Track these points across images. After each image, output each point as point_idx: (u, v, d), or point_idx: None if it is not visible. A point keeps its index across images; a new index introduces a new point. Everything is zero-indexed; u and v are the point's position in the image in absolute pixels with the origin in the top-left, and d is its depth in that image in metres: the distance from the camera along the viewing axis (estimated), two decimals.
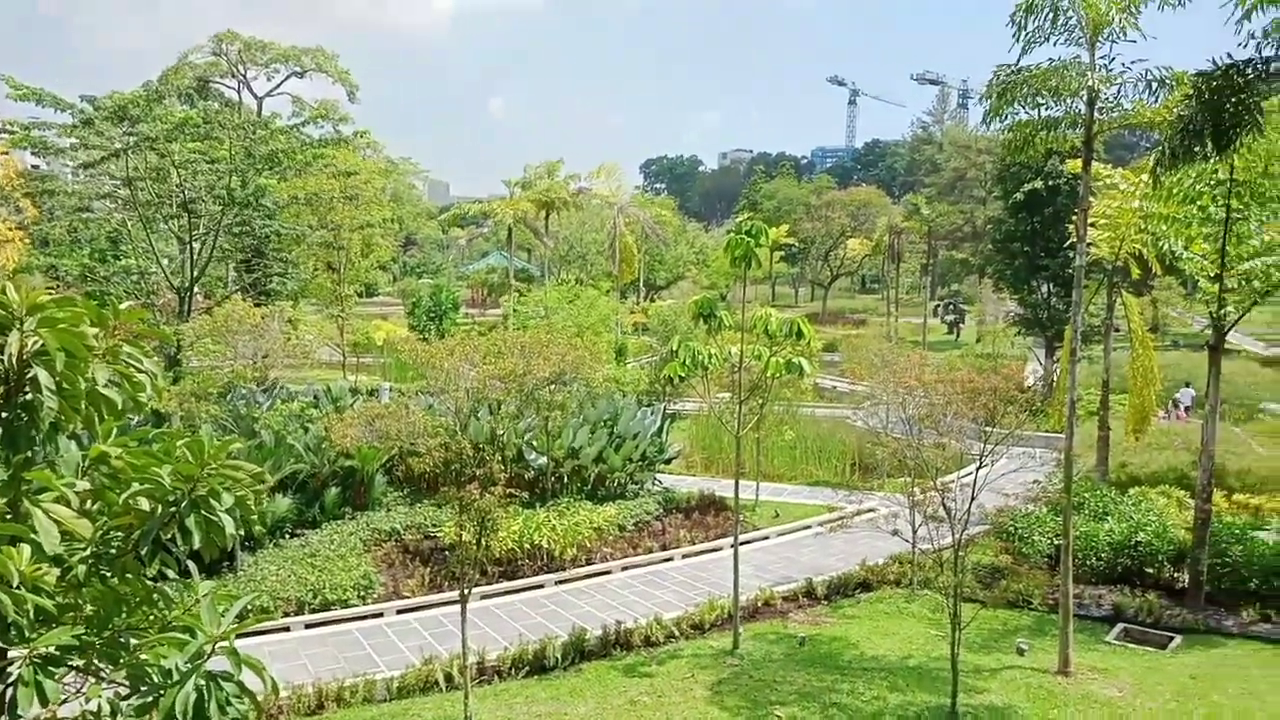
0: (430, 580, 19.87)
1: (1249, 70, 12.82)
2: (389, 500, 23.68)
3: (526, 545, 20.86)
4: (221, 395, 26.76)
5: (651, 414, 29.26)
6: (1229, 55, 12.87)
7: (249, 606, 4.75)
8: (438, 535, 21.63)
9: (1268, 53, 12.78)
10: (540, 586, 20.23)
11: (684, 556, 22.42)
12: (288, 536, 21.24)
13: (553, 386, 23.69)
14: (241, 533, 4.99)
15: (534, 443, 25.21)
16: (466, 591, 15.08)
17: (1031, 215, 40.09)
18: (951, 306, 72.14)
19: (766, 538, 24.24)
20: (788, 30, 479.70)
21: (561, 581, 20.47)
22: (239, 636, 4.48)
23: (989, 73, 17.00)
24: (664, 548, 22.73)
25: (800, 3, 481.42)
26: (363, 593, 18.86)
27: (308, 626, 17.66)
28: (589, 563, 21.35)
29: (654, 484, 27.14)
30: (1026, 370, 46.70)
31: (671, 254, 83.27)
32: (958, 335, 68.76)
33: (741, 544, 22.77)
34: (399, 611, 18.58)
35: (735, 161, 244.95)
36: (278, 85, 68.63)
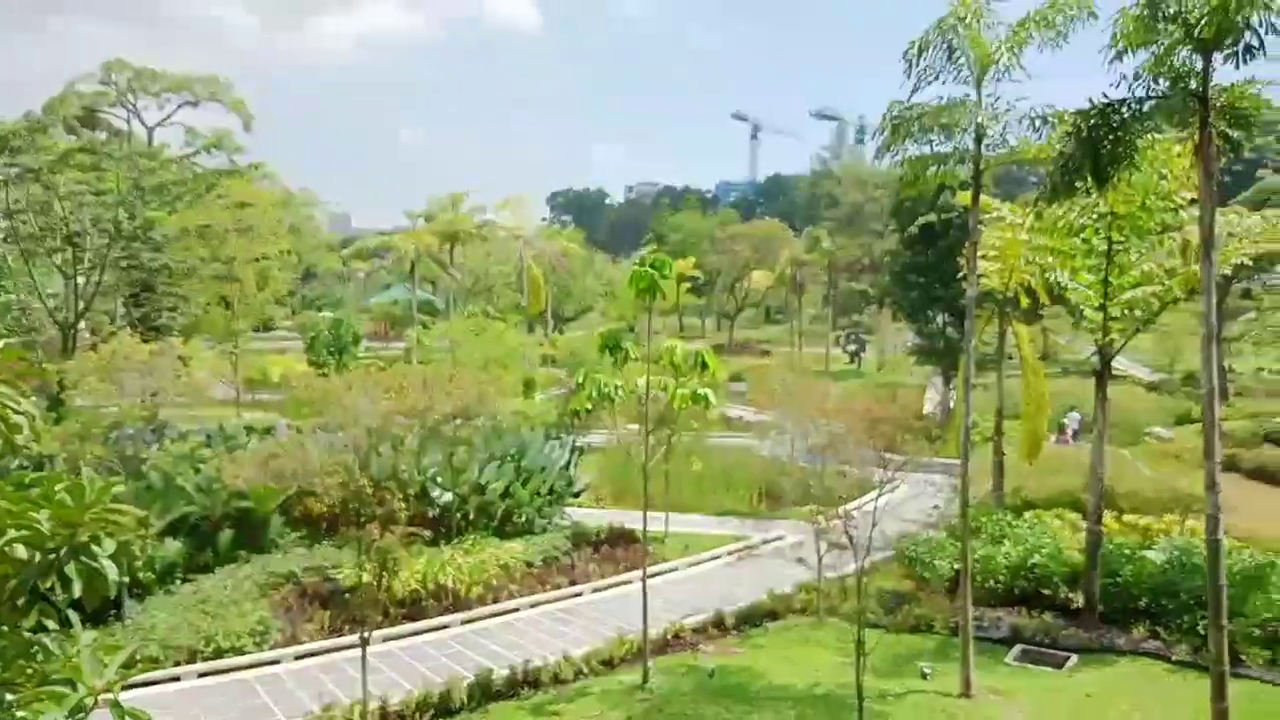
0: (330, 624, 19.23)
1: (1124, 109, 13.50)
2: (287, 542, 22.88)
3: (431, 585, 20.37)
4: (107, 435, 25.54)
5: (560, 447, 29.02)
6: (1105, 95, 13.55)
7: (136, 656, 4.50)
8: (338, 577, 20.95)
9: (1140, 93, 13.48)
10: (446, 627, 19.76)
11: (594, 591, 22.21)
12: (179, 582, 20.36)
13: (457, 421, 23.29)
14: (126, 579, 4.71)
15: (439, 479, 24.72)
16: (367, 635, 14.64)
17: (926, 248, 41.34)
18: (853, 337, 73.79)
19: (676, 569, 24.18)
20: (691, 65, 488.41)
21: (468, 621, 20.05)
22: (125, 688, 4.21)
23: (883, 109, 17.55)
24: (573, 583, 22.48)
25: (703, 40, 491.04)
26: (259, 639, 18.16)
27: (201, 675, 16.95)
28: (496, 601, 20.97)
29: (563, 518, 26.87)
30: (926, 398, 48.05)
31: (579, 286, 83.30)
32: (859, 365, 70.34)
33: (651, 576, 22.69)
34: (297, 657, 17.92)
35: (642, 194, 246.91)
36: (169, 115, 66.52)
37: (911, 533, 18.27)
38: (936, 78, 16.79)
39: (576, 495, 28.27)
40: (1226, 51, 12.53)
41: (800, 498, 20.24)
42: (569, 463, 27.96)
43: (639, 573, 19.91)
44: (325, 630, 19.03)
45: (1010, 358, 29.40)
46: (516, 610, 20.85)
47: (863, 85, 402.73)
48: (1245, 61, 12.48)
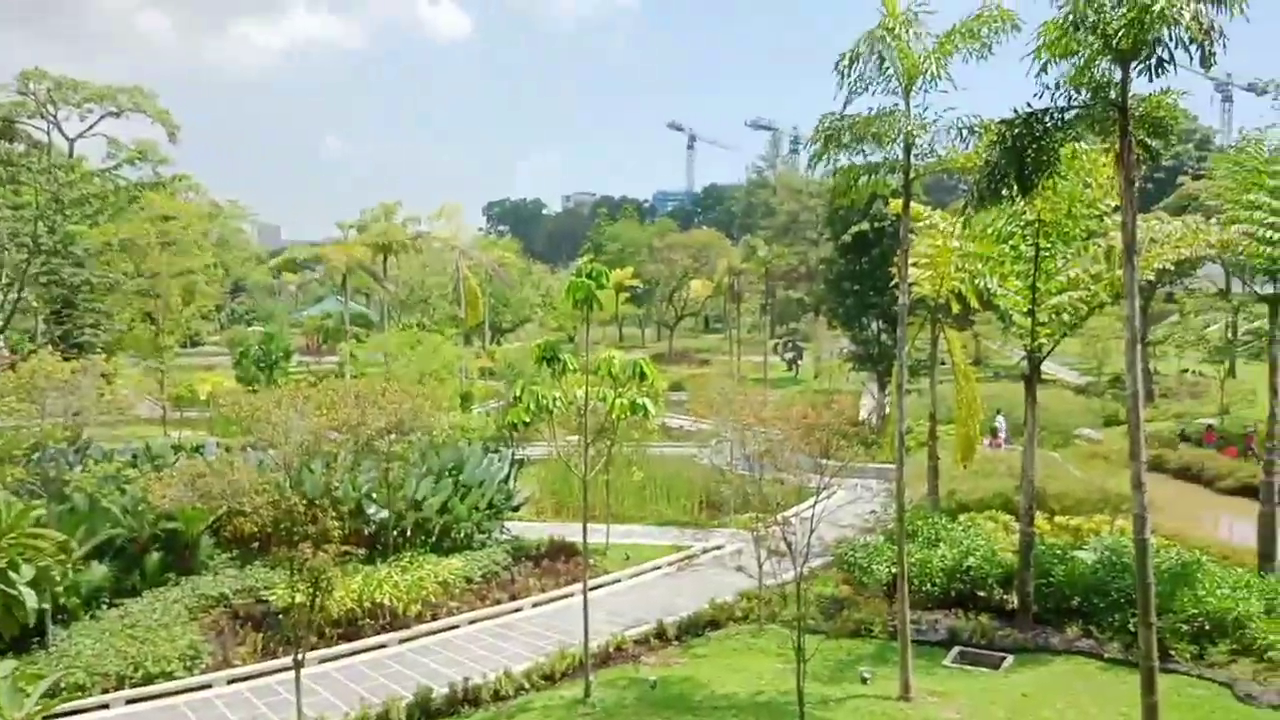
0: (263, 646, 18.80)
1: (1047, 119, 13.81)
2: (217, 563, 22.30)
3: (367, 604, 20.01)
4: (28, 457, 24.61)
5: (499, 460, 28.75)
6: (1029, 105, 13.85)
7: (60, 684, 4.25)
8: (270, 598, 20.45)
9: (1062, 103, 13.80)
10: (383, 646, 19.41)
11: (534, 606, 22.01)
12: (105, 607, 19.79)
13: (392, 436, 22.91)
14: (48, 606, 4.47)
15: (374, 495, 24.29)
16: (301, 656, 14.30)
17: (860, 256, 41.93)
18: (790, 344, 74.50)
19: (618, 581, 24.06)
20: (625, 76, 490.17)
21: (406, 640, 19.71)
22: (48, 718, 3.98)
23: (816, 119, 17.73)
24: (513, 598, 22.27)
25: (636, 50, 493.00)
26: (189, 663, 17.70)
27: (129, 702, 16.45)
28: (434, 618, 20.68)
29: (502, 533, 26.60)
30: (862, 404, 48.65)
31: (517, 297, 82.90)
32: (797, 372, 71.01)
33: (593, 589, 22.58)
34: (230, 681, 17.49)
35: (579, 204, 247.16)
36: (91, 126, 64.53)
37: (849, 538, 18.42)
38: (867, 88, 17.02)
39: (516, 509, 28.02)
40: (1143, 63, 12.84)
41: (740, 506, 20.29)
42: (508, 476, 27.70)
43: (580, 585, 19.78)
44: (258, 653, 18.56)
45: (943, 363, 29.87)
46: (456, 627, 20.56)
47: (797, 96, 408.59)
48: (1160, 73, 12.79)
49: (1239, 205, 21.98)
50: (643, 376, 16.50)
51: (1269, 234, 21.41)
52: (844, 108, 16.69)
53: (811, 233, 79.36)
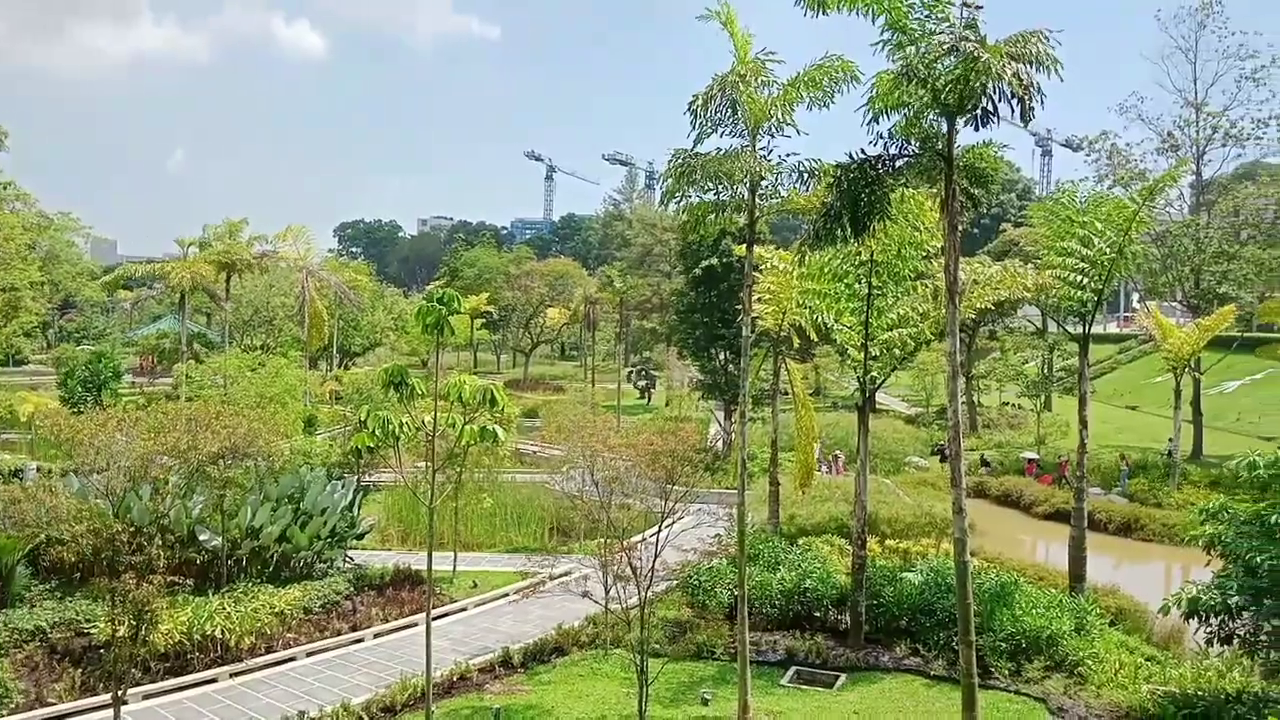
0: (82, 683, 17.64)
1: (879, 165, 14.72)
2: (34, 595, 20.78)
3: (197, 636, 19.07)
4: None
5: (343, 487, 27.94)
6: (863, 151, 14.74)
7: None
8: (91, 631, 19.23)
9: (894, 151, 14.74)
10: (213, 680, 18.53)
11: (376, 636, 21.47)
12: None
13: (225, 461, 22.00)
14: None
15: (207, 523, 23.22)
16: (122, 693, 13.55)
17: (709, 289, 43.06)
18: (643, 372, 75.52)
19: (464, 609, 23.78)
20: (483, 104, 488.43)
21: (238, 674, 18.89)
22: None
23: (669, 156, 18.24)
24: (355, 628, 21.68)
25: (495, 80, 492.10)
26: None
27: None
28: (269, 650, 19.89)
29: (345, 561, 25.84)
30: (710, 431, 49.79)
31: (368, 320, 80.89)
32: (649, 399, 72.00)
33: (439, 617, 22.31)
34: None
35: (435, 228, 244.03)
36: None
37: (692, 562, 18.85)
38: (717, 129, 17.68)
39: (360, 537, 27.30)
40: (969, 116, 13.81)
41: (589, 531, 20.46)
42: (352, 503, 26.97)
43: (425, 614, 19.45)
44: (76, 690, 17.42)
45: (785, 393, 31.01)
46: (293, 659, 19.85)
47: (652, 133, 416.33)
48: (985, 124, 13.76)
49: (1053, 251, 23.86)
50: (493, 403, 16.45)
51: (1079, 279, 23.34)
52: (694, 146, 17.26)
53: (665, 265, 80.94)
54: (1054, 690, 17.64)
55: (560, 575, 21.58)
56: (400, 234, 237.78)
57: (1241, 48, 51.46)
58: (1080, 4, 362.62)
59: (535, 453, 41.97)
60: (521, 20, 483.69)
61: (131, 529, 18.42)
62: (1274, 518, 16.32)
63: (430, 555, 17.64)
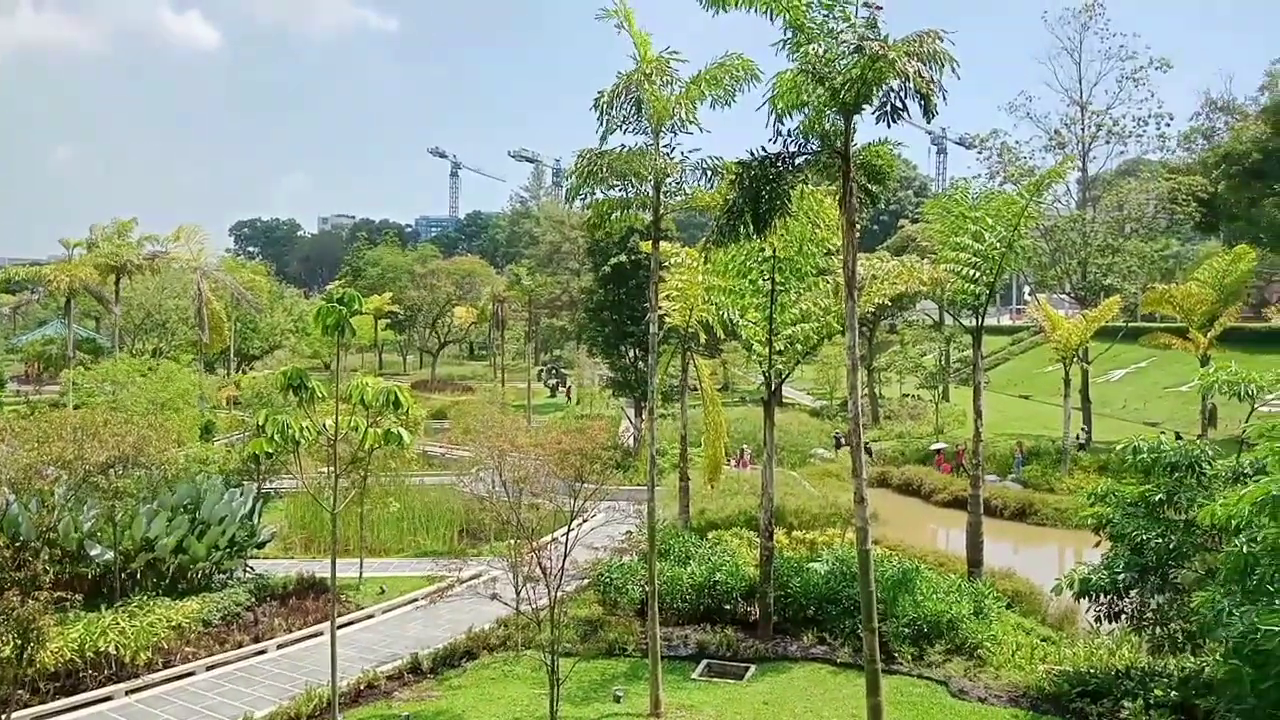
0: None
1: (779, 163, 14.91)
2: None
3: (89, 653, 18.26)
4: None
5: (242, 495, 27.11)
6: (764, 149, 14.90)
7: None
8: None
9: (793, 149, 14.95)
10: (109, 699, 17.78)
11: (280, 647, 20.90)
12: None
13: (115, 471, 21.11)
14: None
15: (98, 536, 22.26)
16: (6, 716, 12.86)
17: (618, 287, 43.10)
18: (554, 371, 75.26)
19: (371, 616, 23.32)
20: (386, 99, 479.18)
21: (134, 690, 18.17)
22: None
23: (576, 154, 18.20)
24: (257, 639, 21.07)
25: (399, 74, 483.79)
26: None
27: None
28: (167, 666, 19.19)
29: (246, 572, 25.11)
30: (621, 428, 49.90)
31: (267, 322, 78.68)
32: (570, 398, 71.81)
33: (345, 625, 21.85)
34: None
35: (337, 227, 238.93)
36: None
37: (604, 560, 18.84)
38: (622, 127, 17.71)
39: (261, 546, 26.52)
40: (876, 111, 14.02)
41: (499, 533, 20.28)
42: (252, 511, 26.17)
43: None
44: None
45: (694, 389, 31.26)
46: (192, 674, 19.18)
47: (559, 130, 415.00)
48: (895, 120, 13.94)
49: (947, 247, 24.61)
50: (397, 405, 16.17)
51: (971, 273, 24.12)
52: (601, 144, 17.25)
53: (573, 263, 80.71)
54: (955, 673, 18.14)
55: (470, 578, 21.33)
56: (300, 233, 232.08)
57: (1122, 49, 53.82)
58: (973, 6, 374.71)
59: (443, 454, 41.45)
60: (420, 12, 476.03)
61: (17, 544, 17.55)
62: (1157, 498, 17.17)
63: (334, 562, 17.26)
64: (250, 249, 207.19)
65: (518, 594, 17.48)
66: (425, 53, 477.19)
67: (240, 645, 20.66)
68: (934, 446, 43.41)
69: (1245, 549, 10.39)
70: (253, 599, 23.06)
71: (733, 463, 39.09)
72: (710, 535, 26.31)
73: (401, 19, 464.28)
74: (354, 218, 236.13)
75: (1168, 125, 55.15)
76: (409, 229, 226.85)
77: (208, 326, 57.51)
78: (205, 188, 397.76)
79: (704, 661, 19.36)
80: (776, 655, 19.65)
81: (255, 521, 26.07)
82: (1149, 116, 53.64)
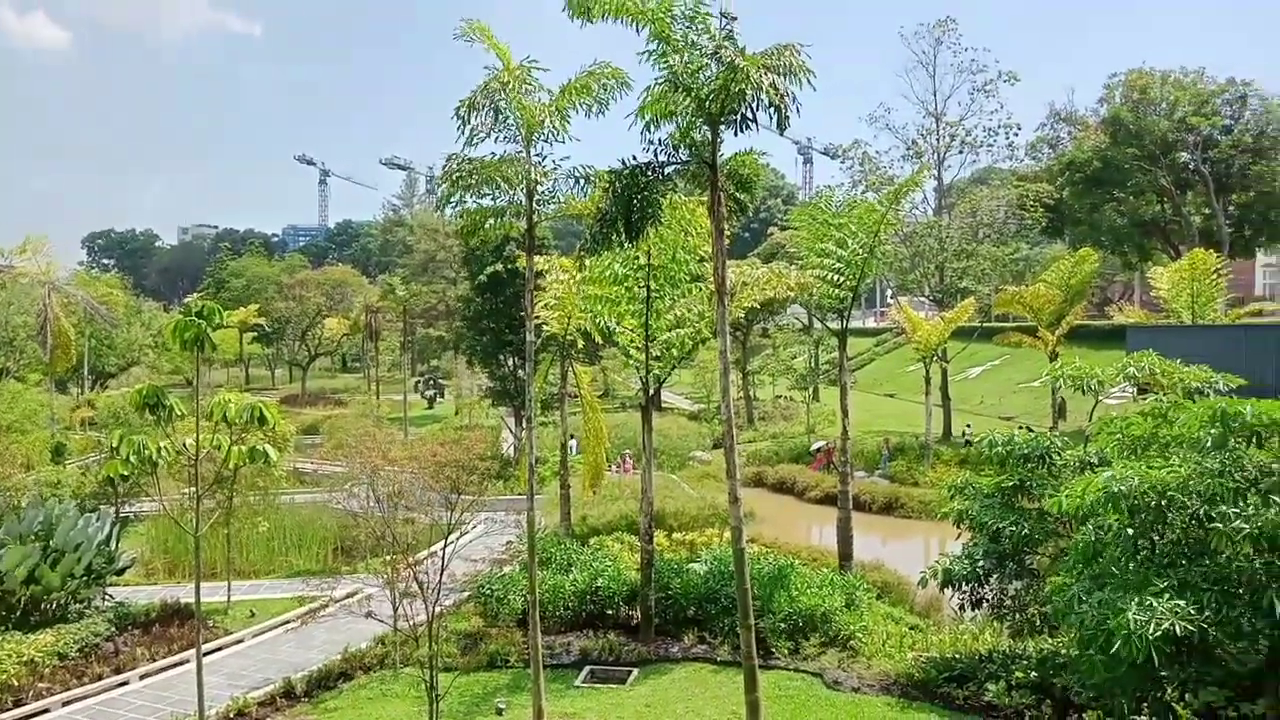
0: None
1: (650, 172, 15.14)
2: None
3: None
4: None
5: (99, 520, 25.75)
6: (634, 157, 15.12)
7: None
8: None
9: (663, 158, 15.21)
10: None
11: (143, 678, 19.93)
12: None
13: None
14: None
15: None
16: None
17: (495, 296, 42.83)
18: (431, 381, 74.05)
19: (241, 640, 22.46)
20: (250, 105, 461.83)
21: None
22: None
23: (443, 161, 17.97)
24: (118, 670, 20.05)
25: (258, 85, 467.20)
26: None
27: None
28: (18, 704, 18.09)
29: (105, 600, 23.85)
30: (502, 438, 49.53)
31: (124, 338, 74.81)
32: (458, 407, 70.59)
33: (212, 652, 21.02)
34: None
35: (198, 237, 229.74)
36: None
37: (483, 571, 18.67)
38: (489, 136, 17.60)
39: (121, 573, 25.28)
40: (731, 124, 14.39)
41: (374, 549, 19.87)
42: (110, 537, 24.88)
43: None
44: None
45: (574, 396, 31.30)
46: (46, 711, 18.11)
47: (432, 137, 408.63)
48: (745, 129, 14.36)
49: (813, 253, 25.37)
50: (262, 421, 15.67)
51: (836, 278, 24.95)
52: (464, 151, 17.10)
53: (449, 271, 79.71)
54: (829, 665, 18.68)
55: (344, 597, 20.79)
56: (159, 244, 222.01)
57: (973, 62, 56.85)
58: (839, 22, 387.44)
59: (315, 471, 40.26)
60: (285, 17, 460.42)
61: None
62: (1010, 485, 18.16)
63: (198, 586, 16.57)
64: (105, 261, 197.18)
65: (395, 611, 17.14)
66: (291, 58, 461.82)
67: (100, 678, 19.63)
68: (815, 446, 44.51)
69: (1092, 536, 11.09)
70: (113, 629, 21.94)
71: (614, 468, 39.29)
72: (592, 541, 26.39)
73: (265, 23, 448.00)
74: (217, 228, 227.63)
75: (1016, 135, 58.65)
76: (276, 239, 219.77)
77: (50, 345, 54.16)
78: (55, 198, 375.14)
79: (587, 668, 19.39)
80: (659, 657, 19.84)
81: (114, 547, 24.82)
82: (999, 127, 56.83)
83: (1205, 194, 65.69)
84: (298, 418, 57.19)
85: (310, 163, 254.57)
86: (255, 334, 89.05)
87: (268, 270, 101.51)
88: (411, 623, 14.66)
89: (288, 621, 23.28)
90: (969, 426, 43.86)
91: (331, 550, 30.53)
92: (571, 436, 29.71)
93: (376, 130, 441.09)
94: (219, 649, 21.59)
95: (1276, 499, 10.04)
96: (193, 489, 16.91)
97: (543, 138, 17.84)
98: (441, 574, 14.45)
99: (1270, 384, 22.23)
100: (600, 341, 28.06)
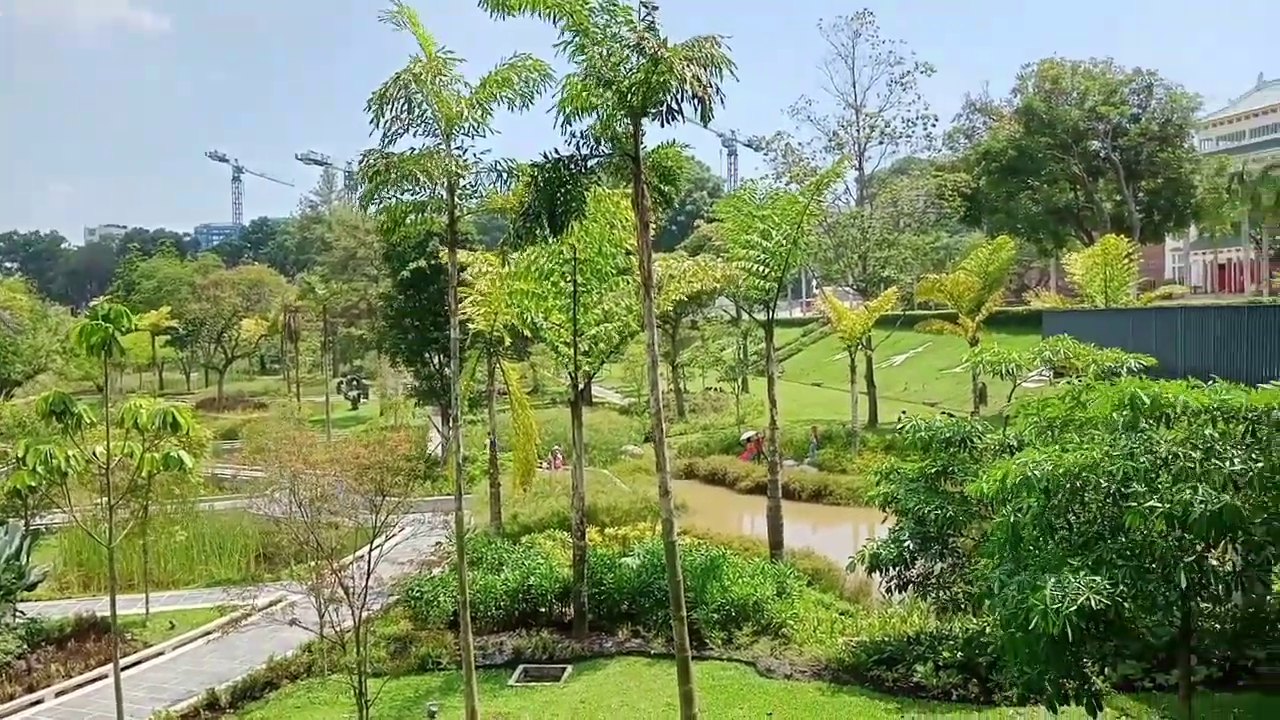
0: None
1: (573, 165, 15.02)
2: None
3: None
4: None
5: (6, 534, 24.76)
6: (556, 151, 14.98)
7: None
8: None
9: (586, 151, 15.09)
10: None
11: (58, 695, 19.21)
12: None
13: None
14: None
15: None
16: None
17: (419, 293, 42.15)
18: (354, 382, 72.70)
19: (161, 653, 21.77)
20: (160, 102, 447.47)
21: None
22: None
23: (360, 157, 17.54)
24: (31, 689, 19.32)
25: (169, 81, 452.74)
26: None
27: None
28: None
29: (15, 617, 22.82)
30: (429, 437, 48.89)
31: (29, 344, 71.81)
32: (381, 408, 69.38)
33: (131, 666, 20.37)
34: None
35: (106, 238, 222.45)
36: None
37: (412, 574, 18.37)
38: (407, 130, 17.24)
39: (32, 588, 24.28)
40: (654, 116, 14.31)
41: (297, 555, 19.41)
42: (19, 551, 23.91)
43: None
44: None
45: (503, 393, 31.03)
46: None
47: (351, 131, 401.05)
48: (670, 121, 14.28)
49: (738, 245, 25.54)
50: (176, 427, 15.16)
51: (761, 269, 25.14)
52: (384, 146, 16.73)
53: (371, 269, 78.26)
54: (762, 653, 18.84)
55: (268, 605, 20.27)
56: (65, 245, 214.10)
57: (891, 54, 57.88)
58: (760, 14, 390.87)
59: (235, 476, 39.22)
60: (196, 12, 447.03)
61: None
62: (934, 471, 18.53)
63: (113, 599, 16.02)
64: (7, 265, 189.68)
65: (321, 617, 16.75)
66: (202, 53, 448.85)
67: (12, 697, 18.87)
68: (745, 436, 44.77)
69: (1012, 518, 11.32)
70: (25, 646, 21.08)
71: (545, 465, 39.07)
72: (524, 540, 26.17)
73: (175, 18, 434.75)
74: (126, 228, 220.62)
75: (934, 126, 59.87)
76: (188, 238, 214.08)
77: None
78: None
79: (520, 667, 19.22)
80: (593, 653, 19.78)
81: (24, 562, 23.86)
82: (916, 118, 58.00)
83: (1116, 181, 68.09)
84: (215, 422, 55.65)
85: (223, 159, 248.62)
86: (169, 337, 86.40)
87: (180, 271, 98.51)
88: (338, 629, 14.32)
89: (210, 632, 22.62)
90: (904, 413, 44.65)
91: (254, 558, 29.73)
92: (489, 435, 29.46)
93: (293, 126, 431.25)
94: (138, 662, 20.91)
95: (1187, 478, 10.37)
96: (105, 499, 16.29)
97: (463, 131, 17.57)
98: (368, 578, 14.16)
99: (1178, 365, 23.07)
100: (528, 337, 27.86)
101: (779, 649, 18.99)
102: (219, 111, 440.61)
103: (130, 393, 66.54)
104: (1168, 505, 9.97)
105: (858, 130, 58.45)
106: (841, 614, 20.78)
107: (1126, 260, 46.00)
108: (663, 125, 14.25)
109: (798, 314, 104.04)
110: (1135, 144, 66.06)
